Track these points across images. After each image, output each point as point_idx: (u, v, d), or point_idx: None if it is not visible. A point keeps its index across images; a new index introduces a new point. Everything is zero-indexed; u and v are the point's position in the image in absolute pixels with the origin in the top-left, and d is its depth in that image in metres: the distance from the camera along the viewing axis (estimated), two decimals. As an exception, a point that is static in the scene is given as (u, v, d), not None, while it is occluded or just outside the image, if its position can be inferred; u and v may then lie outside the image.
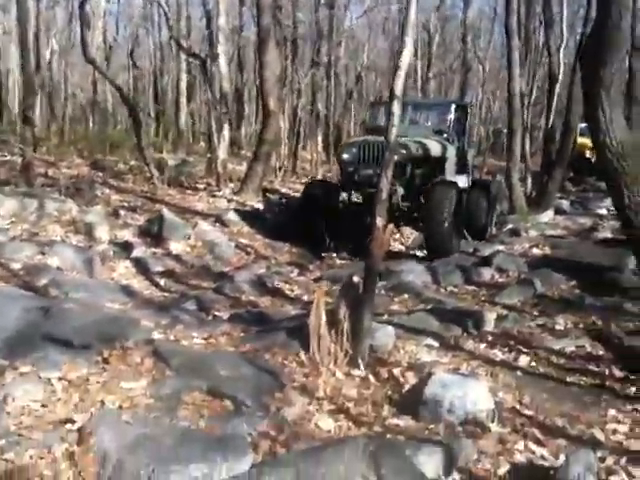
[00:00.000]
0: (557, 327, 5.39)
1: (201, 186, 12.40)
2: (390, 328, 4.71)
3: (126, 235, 7.96)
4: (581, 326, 5.37)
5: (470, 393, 3.65)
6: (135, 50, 22.54)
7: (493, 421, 3.57)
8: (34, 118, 14.43)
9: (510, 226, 11.07)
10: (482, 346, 4.88)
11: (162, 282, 6.69)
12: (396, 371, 4.13)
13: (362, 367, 4.18)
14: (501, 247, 9.10)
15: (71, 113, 21.23)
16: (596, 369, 4.48)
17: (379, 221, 4.34)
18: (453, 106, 10.05)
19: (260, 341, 4.52)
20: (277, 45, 13.36)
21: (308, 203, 8.96)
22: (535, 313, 5.81)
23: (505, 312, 5.72)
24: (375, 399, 3.81)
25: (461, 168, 9.96)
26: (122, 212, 8.94)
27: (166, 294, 6.31)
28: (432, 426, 3.50)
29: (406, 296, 6.20)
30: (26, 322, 3.63)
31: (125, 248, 7.44)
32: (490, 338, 5.03)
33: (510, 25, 11.48)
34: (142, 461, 2.30)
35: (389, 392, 3.91)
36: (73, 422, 2.64)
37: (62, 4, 19.09)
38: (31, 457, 2.36)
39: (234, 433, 2.72)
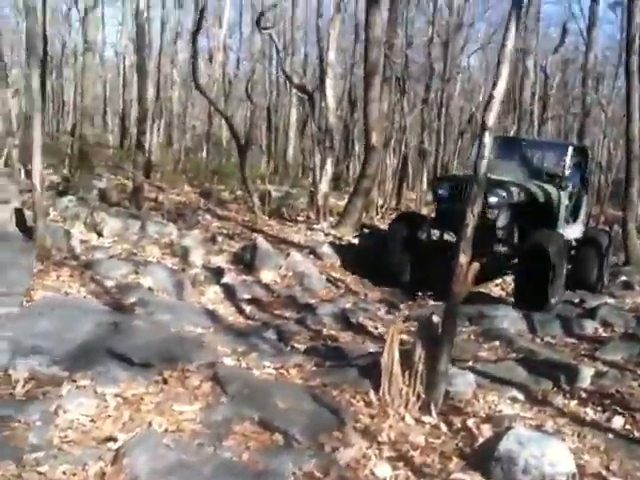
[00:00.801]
0: (661, 388, 4.87)
1: (301, 218, 12.50)
2: (471, 375, 4.42)
3: (219, 261, 8.07)
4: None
5: (549, 453, 3.30)
6: (254, 85, 23.40)
7: (573, 486, 3.20)
8: (150, 145, 15.28)
9: (623, 278, 10.36)
10: (573, 403, 4.46)
11: (248, 309, 6.69)
12: (470, 422, 3.83)
13: (434, 414, 3.92)
14: (610, 300, 8.50)
15: (189, 143, 22.25)
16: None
17: (462, 258, 4.09)
18: (570, 149, 9.09)
19: (331, 376, 4.36)
20: (386, 81, 13.36)
21: (392, 237, 8.53)
22: (639, 372, 5.29)
23: (605, 369, 5.25)
24: (444, 450, 3.54)
25: (574, 217, 9.31)
26: (219, 238, 9.10)
27: (249, 322, 6.28)
28: (500, 485, 3.18)
29: (497, 343, 5.83)
30: (95, 336, 3.68)
31: (217, 273, 7.52)
32: (584, 395, 4.59)
33: (630, 65, 10.86)
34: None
35: (460, 444, 3.63)
36: (115, 440, 2.59)
37: (185, 37, 20.10)
38: (64, 472, 2.31)
39: (277, 470, 2.55)
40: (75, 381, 3.20)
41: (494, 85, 4.23)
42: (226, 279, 7.39)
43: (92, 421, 2.81)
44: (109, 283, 6.28)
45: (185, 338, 4.25)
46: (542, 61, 20.22)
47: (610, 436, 3.96)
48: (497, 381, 4.62)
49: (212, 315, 6.15)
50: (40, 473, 2.31)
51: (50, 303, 4.34)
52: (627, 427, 4.13)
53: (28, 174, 12.31)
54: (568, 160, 8.71)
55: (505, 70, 4.22)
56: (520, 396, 4.46)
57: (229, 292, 7.07)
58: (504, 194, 7.62)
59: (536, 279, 7.34)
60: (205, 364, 3.69)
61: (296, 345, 5.46)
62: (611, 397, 4.59)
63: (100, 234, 8.03)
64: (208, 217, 10.90)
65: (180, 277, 6.95)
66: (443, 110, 18.49)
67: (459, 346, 5.69)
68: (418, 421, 3.85)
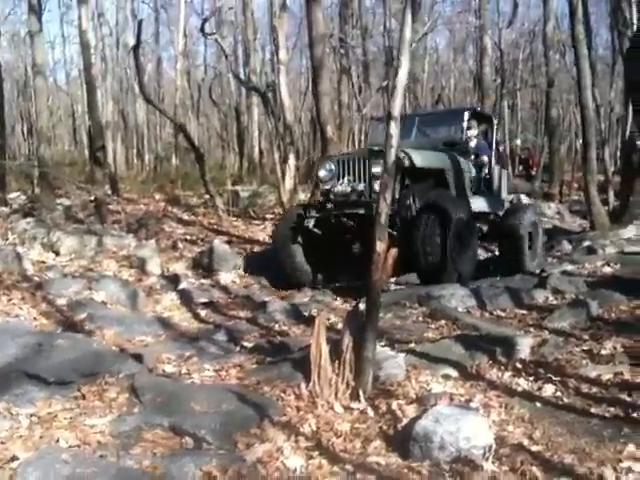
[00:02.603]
0: (603, 352, 4.96)
1: (269, 216, 12.58)
2: (401, 358, 4.49)
3: (178, 268, 8.18)
4: (630, 351, 4.91)
5: (464, 428, 3.36)
6: (224, 88, 23.49)
7: (487, 459, 3.28)
8: (114, 158, 15.30)
9: (587, 243, 10.46)
10: (507, 375, 4.54)
11: (203, 313, 6.77)
12: (394, 404, 3.90)
13: (363, 400, 3.98)
14: (570, 267, 8.59)
15: (161, 153, 22.28)
16: (628, 399, 4.04)
17: (378, 246, 4.16)
18: (466, 113, 8.51)
19: (266, 373, 4.44)
20: (344, 72, 13.44)
21: (277, 237, 8.12)
22: (585, 337, 5.38)
23: (550, 337, 5.34)
24: (367, 434, 3.60)
25: (487, 189, 8.85)
26: (181, 245, 9.21)
27: (203, 325, 6.35)
28: (417, 464, 3.26)
29: (443, 322, 5.92)
30: (16, 359, 3.76)
31: (173, 281, 7.62)
32: (519, 366, 4.67)
33: (577, 34, 10.94)
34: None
35: (384, 427, 3.69)
36: (18, 459, 2.66)
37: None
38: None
39: (175, 473, 2.63)
40: (-9, 405, 3.29)
41: (396, 74, 4.29)
42: (183, 285, 7.49)
43: (2, 443, 2.88)
44: (61, 301, 6.35)
45: (109, 352, 4.29)
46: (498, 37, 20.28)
47: (538, 405, 4.03)
48: (433, 360, 4.68)
49: (165, 323, 6.22)
50: None
51: None
52: (557, 394, 4.19)
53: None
54: (464, 124, 8.30)
55: (405, 59, 4.27)
56: (454, 373, 4.53)
57: (185, 298, 7.15)
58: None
59: (428, 243, 6.99)
60: (125, 376, 3.76)
61: (245, 344, 5.53)
62: (547, 366, 4.66)
63: (57, 253, 8.13)
64: (173, 224, 10.98)
65: (134, 288, 7.03)
66: (406, 94, 18.51)
67: (406, 329, 5.82)
68: (347, 408, 3.92)
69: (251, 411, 3.56)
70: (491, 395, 4.17)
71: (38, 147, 10.88)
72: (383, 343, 5.00)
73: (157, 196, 14.80)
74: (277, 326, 6.12)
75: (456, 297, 6.56)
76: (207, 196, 13.91)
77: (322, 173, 7.74)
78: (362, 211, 7.15)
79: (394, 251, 4.27)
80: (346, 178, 7.46)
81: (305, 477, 2.94)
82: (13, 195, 12.72)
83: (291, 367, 4.39)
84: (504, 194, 9.32)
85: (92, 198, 11.31)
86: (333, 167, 7.63)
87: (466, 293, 6.68)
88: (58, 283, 6.72)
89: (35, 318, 5.80)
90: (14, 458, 2.71)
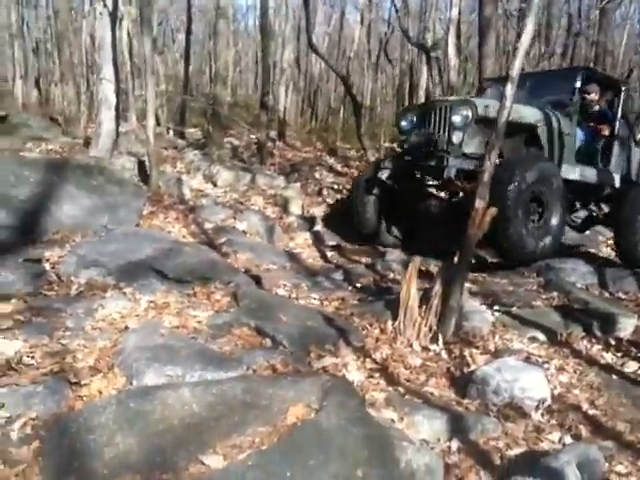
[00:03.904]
0: None
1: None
2: (489, 313, 4.70)
3: (317, 211, 8.73)
4: None
5: (522, 379, 3.59)
6: (401, 45, 23.68)
7: (537, 411, 3.49)
8: (285, 105, 16.19)
9: None
10: (596, 348, 4.59)
11: (329, 254, 7.30)
12: (469, 352, 4.16)
13: (441, 343, 4.29)
14: None
15: (332, 104, 23.03)
16: None
17: (478, 203, 4.36)
18: (580, 75, 7.43)
19: (362, 308, 4.86)
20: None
21: (355, 190, 7.82)
22: None
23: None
24: (434, 372, 3.92)
25: (602, 160, 7.79)
26: (325, 192, 9.76)
27: (325, 264, 6.89)
28: (468, 401, 3.55)
29: (555, 294, 5.93)
30: (149, 258, 4.51)
31: (310, 222, 8.21)
32: (613, 342, 4.69)
33: None
34: (142, 356, 2.90)
35: (452, 368, 3.99)
36: (128, 329, 3.35)
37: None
38: (78, 344, 3.11)
39: (243, 360, 3.15)
40: (120, 288, 4.04)
41: (518, 36, 4.39)
42: (317, 227, 8.05)
43: (122, 317, 3.60)
44: (208, 225, 7.18)
45: (224, 264, 4.95)
46: None
47: (614, 377, 4.10)
48: (526, 323, 4.83)
49: (292, 257, 6.83)
50: (62, 344, 3.13)
51: (125, 232, 5.23)
52: (639, 372, 4.22)
53: (175, 132, 13.84)
54: (577, 85, 7.36)
55: (531, 22, 4.35)
56: (542, 337, 4.65)
57: (317, 239, 7.72)
58: (467, 112, 6.59)
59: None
60: (233, 285, 4.37)
61: (357, 285, 5.98)
62: (640, 346, 4.65)
63: (215, 184, 9.03)
64: (324, 172, 11.54)
65: (273, 223, 7.71)
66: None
67: (516, 294, 5.92)
68: (424, 349, 4.25)
69: (332, 332, 4.01)
70: (570, 362, 4.28)
71: (213, 87, 11.84)
72: (480, 301, 5.22)
73: (318, 145, 15.51)
74: (390, 273, 6.48)
75: (577, 273, 6.50)
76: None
77: (402, 123, 7.33)
78: (433, 163, 6.71)
79: (493, 209, 4.45)
80: (423, 129, 6.99)
81: (357, 387, 3.32)
82: (191, 130, 14.04)
83: (384, 306, 4.76)
84: (630, 171, 8.21)
85: (256, 140, 12.22)
86: (414, 117, 7.20)
87: (589, 270, 6.58)
88: (209, 209, 7.57)
89: (184, 236, 6.64)
90: (127, 328, 3.40)
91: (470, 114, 6.54)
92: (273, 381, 2.81)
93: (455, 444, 3.07)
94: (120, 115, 8.93)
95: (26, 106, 15.30)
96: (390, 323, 4.48)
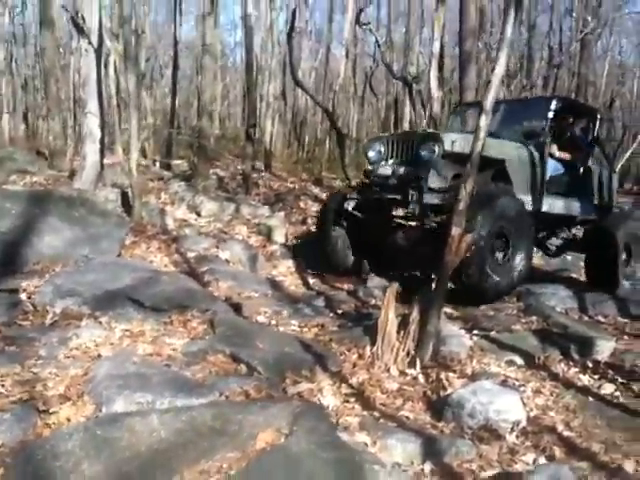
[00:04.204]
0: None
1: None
2: (466, 338, 4.74)
3: (300, 240, 8.79)
4: None
5: (498, 402, 3.60)
6: (387, 78, 24.17)
7: (512, 433, 3.50)
8: (271, 137, 16.38)
9: None
10: (572, 371, 4.62)
11: (312, 281, 7.33)
12: (446, 376, 4.17)
13: (418, 368, 4.30)
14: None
15: (319, 135, 23.30)
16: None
17: (454, 230, 4.43)
18: (554, 103, 7.33)
19: (341, 334, 4.88)
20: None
21: (320, 221, 7.72)
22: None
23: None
24: (411, 396, 3.93)
25: (577, 191, 7.68)
26: (310, 221, 9.83)
27: (307, 291, 6.91)
28: (442, 424, 3.56)
29: (534, 318, 5.97)
30: (126, 287, 4.53)
31: (293, 250, 8.25)
32: (590, 365, 4.72)
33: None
34: (113, 384, 2.91)
35: (429, 392, 4.00)
36: (101, 357, 3.36)
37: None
38: (50, 373, 3.12)
39: (215, 386, 3.16)
40: (96, 317, 4.06)
41: (493, 69, 4.50)
42: (299, 256, 8.08)
43: (96, 346, 3.61)
44: (190, 254, 7.20)
45: (202, 292, 4.97)
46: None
47: (590, 399, 4.12)
48: (503, 347, 4.86)
49: (274, 284, 6.85)
50: (33, 373, 3.13)
51: (104, 262, 5.25)
52: (615, 394, 4.23)
53: (161, 165, 13.93)
54: (550, 115, 7.22)
55: (503, 55, 4.46)
56: (519, 361, 4.67)
57: (300, 266, 7.75)
58: (434, 147, 6.38)
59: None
60: (210, 312, 4.39)
61: (338, 311, 6.00)
62: (620, 369, 4.65)
63: (199, 214, 9.09)
64: (309, 202, 11.65)
65: (256, 252, 7.74)
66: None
67: (496, 319, 5.96)
68: (401, 373, 4.25)
69: (309, 357, 4.03)
70: (547, 384, 4.30)
71: (199, 120, 11.98)
72: (459, 326, 5.26)
73: (304, 176, 15.65)
74: (372, 299, 6.51)
75: (557, 297, 6.56)
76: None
77: (370, 154, 7.15)
78: (400, 197, 6.52)
79: (469, 237, 4.52)
80: (391, 161, 6.85)
81: (331, 411, 3.33)
82: (177, 162, 14.14)
83: (362, 331, 4.80)
84: (604, 198, 8.12)
85: (241, 171, 12.32)
86: (382, 148, 7.02)
87: (568, 294, 6.64)
88: (192, 239, 7.61)
89: (165, 265, 6.66)
90: (99, 356, 3.41)
91: (437, 149, 6.39)
92: (243, 407, 2.83)
93: (428, 467, 3.07)
94: (106, 148, 9.03)
95: (13, 140, 15.39)
96: (368, 348, 4.49)
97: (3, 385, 2.92)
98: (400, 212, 6.56)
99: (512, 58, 15.84)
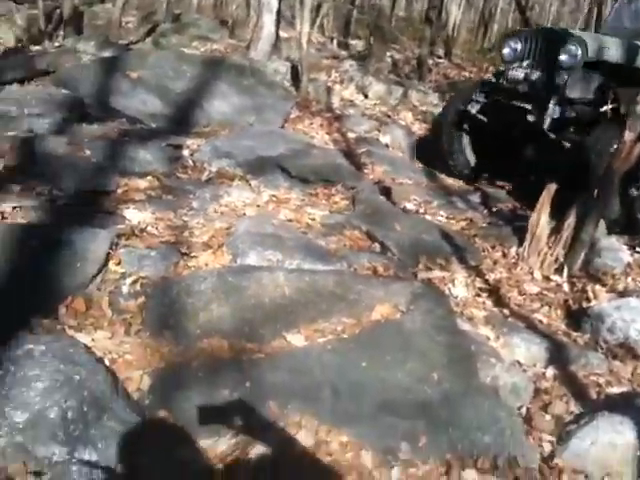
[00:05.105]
0: None
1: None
2: (625, 254, 4.39)
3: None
4: None
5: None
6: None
7: (652, 354, 3.27)
8: (455, 23, 15.54)
9: None
10: None
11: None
12: (590, 287, 3.93)
13: (565, 275, 4.09)
14: None
15: (509, 25, 21.68)
16: None
17: (627, 135, 4.01)
18: None
19: (489, 230, 4.73)
20: None
21: (443, 120, 6.86)
22: None
23: None
24: (550, 301, 3.77)
25: None
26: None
27: (466, 187, 6.67)
28: (577, 335, 3.41)
29: None
30: (279, 156, 4.68)
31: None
32: None
33: None
34: (250, 240, 3.09)
35: (571, 302, 3.81)
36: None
37: None
38: (197, 223, 3.37)
39: (350, 259, 3.24)
40: (247, 180, 4.25)
41: None
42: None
43: (244, 205, 3.80)
44: (351, 135, 7.18)
45: (349, 169, 4.99)
46: None
47: None
48: (670, 268, 4.47)
49: (430, 175, 6.69)
50: (183, 221, 3.39)
51: (262, 131, 5.44)
52: None
53: (339, 44, 13.82)
54: None
55: None
56: (687, 286, 4.29)
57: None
58: (577, 50, 5.51)
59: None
60: (354, 190, 4.42)
61: (492, 209, 5.77)
62: None
63: (366, 96, 8.97)
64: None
65: (417, 138, 7.56)
66: None
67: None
68: (545, 278, 4.08)
69: (448, 247, 3.96)
70: None
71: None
72: (622, 241, 4.86)
73: (485, 66, 14.78)
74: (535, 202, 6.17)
75: None
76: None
77: (505, 50, 6.25)
78: (529, 106, 5.78)
79: (641, 145, 4.07)
80: (526, 62, 5.97)
81: (459, 301, 3.30)
82: (354, 42, 13.91)
83: (512, 231, 4.60)
84: None
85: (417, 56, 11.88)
86: (519, 46, 6.11)
87: None
88: (355, 119, 7.57)
89: (326, 143, 6.73)
90: (244, 214, 3.61)
91: (579, 53, 5.54)
92: (365, 279, 2.88)
93: (551, 371, 2.98)
94: (287, 23, 9.05)
95: (201, 8, 15.89)
96: (514, 249, 4.34)
97: (156, 227, 3.20)
98: (530, 123, 5.79)
99: None
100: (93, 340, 2.27)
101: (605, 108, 5.14)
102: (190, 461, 1.94)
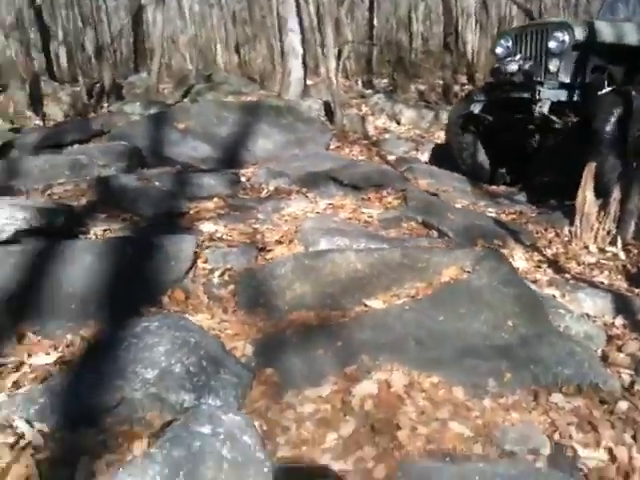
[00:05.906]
0: None
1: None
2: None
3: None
4: None
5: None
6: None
7: None
8: (473, 48, 15.93)
9: None
10: None
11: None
12: (645, 252, 4.05)
13: (619, 245, 4.22)
14: None
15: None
16: None
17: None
18: None
19: (539, 217, 4.92)
20: None
21: (450, 125, 7.08)
22: None
23: None
24: (608, 268, 3.91)
25: None
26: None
27: (509, 189, 6.84)
28: (639, 290, 3.52)
29: None
30: (328, 169, 4.99)
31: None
32: None
33: None
34: (318, 232, 3.36)
35: (629, 266, 3.93)
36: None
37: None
38: (267, 228, 3.65)
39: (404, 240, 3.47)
40: (303, 193, 4.55)
41: None
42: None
43: (304, 213, 4.08)
44: (390, 157, 7.48)
45: (394, 173, 5.27)
46: None
47: None
48: None
49: (473, 182, 6.88)
50: (254, 228, 3.67)
51: (307, 154, 5.83)
52: None
53: (363, 84, 14.29)
54: None
55: None
56: None
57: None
58: (565, 36, 5.70)
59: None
60: (403, 190, 4.67)
61: (539, 204, 5.91)
62: None
63: (398, 122, 9.31)
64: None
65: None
66: None
67: None
68: (601, 250, 4.22)
69: (502, 230, 4.16)
70: None
71: (398, 35, 12.03)
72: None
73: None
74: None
75: None
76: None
77: (497, 49, 6.47)
78: (526, 95, 5.96)
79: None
80: (518, 56, 6.17)
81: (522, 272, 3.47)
82: (377, 80, 14.39)
83: (562, 215, 4.76)
84: None
85: (441, 82, 12.25)
86: (510, 43, 6.34)
87: None
88: (391, 143, 7.89)
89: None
90: (307, 218, 3.89)
91: (567, 38, 5.75)
92: (430, 250, 3.09)
93: (620, 320, 3.10)
94: (310, 71, 9.50)
95: (227, 70, 16.68)
96: (567, 229, 4.49)
97: (231, 235, 3.50)
98: (530, 112, 5.97)
99: None
100: (197, 321, 2.53)
101: (604, 91, 5.29)
102: (297, 404, 2.15)
